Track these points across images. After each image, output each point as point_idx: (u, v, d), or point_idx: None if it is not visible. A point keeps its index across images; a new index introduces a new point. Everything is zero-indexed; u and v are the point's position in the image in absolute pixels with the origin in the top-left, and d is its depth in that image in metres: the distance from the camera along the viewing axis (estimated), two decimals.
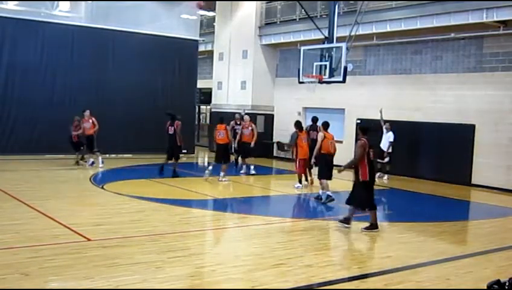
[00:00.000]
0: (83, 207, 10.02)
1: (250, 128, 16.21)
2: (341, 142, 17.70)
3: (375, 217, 9.08)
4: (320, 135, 12.08)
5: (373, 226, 9.05)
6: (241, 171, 16.32)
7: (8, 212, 9.28)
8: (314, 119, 14.63)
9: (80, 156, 16.36)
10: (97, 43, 19.59)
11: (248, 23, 22.88)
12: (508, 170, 15.12)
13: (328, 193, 11.77)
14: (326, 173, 11.91)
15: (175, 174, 14.67)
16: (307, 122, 17.52)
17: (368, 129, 9.44)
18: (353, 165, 9.07)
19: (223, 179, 14.31)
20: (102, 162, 16.11)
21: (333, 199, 11.66)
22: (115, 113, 19.70)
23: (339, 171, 9.68)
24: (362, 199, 9.08)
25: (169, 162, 14.97)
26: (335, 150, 12.08)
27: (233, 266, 6.71)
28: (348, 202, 9.30)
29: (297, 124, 13.63)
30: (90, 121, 15.81)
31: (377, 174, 16.15)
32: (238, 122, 16.58)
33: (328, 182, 11.91)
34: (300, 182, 13.85)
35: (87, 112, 15.88)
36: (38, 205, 9.78)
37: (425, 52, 17.43)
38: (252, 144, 15.92)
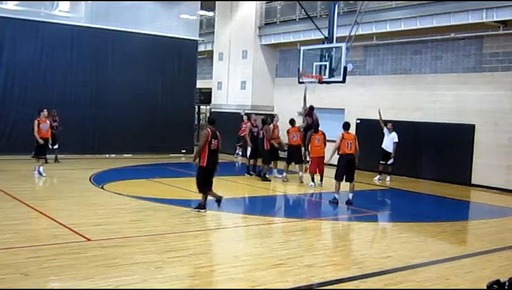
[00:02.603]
0: (83, 207, 10.01)
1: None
2: None
3: (205, 198, 10.02)
4: (339, 135, 11.88)
5: (201, 206, 9.97)
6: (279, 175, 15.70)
7: (8, 212, 9.27)
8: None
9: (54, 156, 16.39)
10: (97, 43, 19.60)
11: (248, 23, 22.88)
12: (508, 170, 15.13)
13: (335, 194, 11.72)
14: (337, 174, 11.90)
15: (265, 178, 14.97)
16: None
17: (214, 121, 10.35)
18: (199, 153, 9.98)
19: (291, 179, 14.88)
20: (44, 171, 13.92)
21: (337, 202, 11.63)
22: (115, 113, 19.72)
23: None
24: (197, 182, 10.02)
25: (251, 163, 15.83)
26: (355, 150, 11.77)
27: (233, 266, 6.71)
28: (198, 190, 10.13)
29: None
30: (48, 122, 14.18)
31: (378, 176, 16.22)
32: (255, 124, 16.08)
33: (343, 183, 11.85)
34: (312, 180, 14.31)
35: (45, 112, 14.13)
36: (38, 205, 9.79)
37: (425, 52, 17.43)
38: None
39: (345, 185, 11.92)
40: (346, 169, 11.72)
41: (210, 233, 9.11)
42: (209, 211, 11.04)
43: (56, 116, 16.26)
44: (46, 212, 9.18)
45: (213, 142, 9.89)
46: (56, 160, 16.41)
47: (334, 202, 11.64)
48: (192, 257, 7.12)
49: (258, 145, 15.59)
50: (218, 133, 10.07)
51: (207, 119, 10.36)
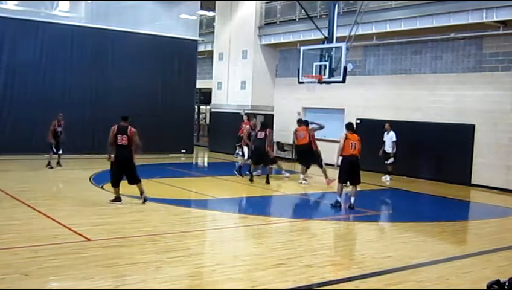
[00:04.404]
0: (82, 207, 10.01)
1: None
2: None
3: (118, 191, 10.35)
4: (342, 135, 11.30)
5: (116, 199, 10.33)
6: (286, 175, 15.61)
7: (8, 212, 9.27)
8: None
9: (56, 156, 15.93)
10: (97, 43, 19.61)
11: (248, 23, 22.88)
12: (507, 170, 15.13)
13: (338, 198, 11.22)
14: (339, 177, 11.38)
15: (268, 181, 14.45)
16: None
17: (127, 118, 10.60)
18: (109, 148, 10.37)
19: (303, 181, 14.56)
20: None
21: (340, 206, 11.16)
22: (115, 113, 19.49)
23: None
24: (110, 175, 10.39)
25: (246, 162, 15.47)
26: (358, 151, 11.24)
27: (233, 266, 6.71)
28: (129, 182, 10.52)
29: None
30: None
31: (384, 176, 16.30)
32: (253, 128, 15.83)
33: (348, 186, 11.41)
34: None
35: None
36: (38, 205, 9.78)
37: (425, 52, 17.43)
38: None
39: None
40: (349, 171, 11.19)
41: (210, 233, 9.12)
42: (208, 211, 11.07)
43: (61, 120, 15.75)
44: (46, 212, 9.18)
45: (119, 137, 10.21)
46: (58, 164, 16.21)
47: (337, 206, 11.19)
48: (192, 257, 7.12)
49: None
50: (129, 129, 10.31)
51: (120, 116, 10.59)
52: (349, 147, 11.08)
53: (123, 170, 10.40)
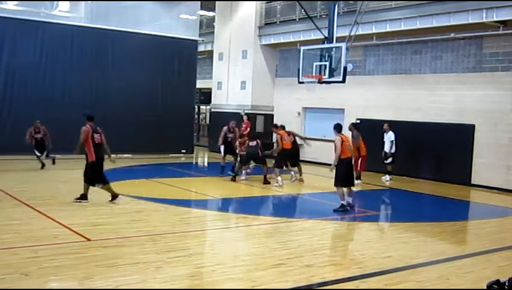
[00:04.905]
0: (82, 207, 10.01)
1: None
2: None
3: (111, 189, 10.45)
4: (338, 138, 10.91)
5: (114, 197, 10.41)
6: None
7: (8, 212, 9.27)
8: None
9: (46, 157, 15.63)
10: (97, 43, 19.60)
11: (248, 23, 22.88)
12: (507, 170, 15.13)
13: (343, 201, 10.94)
14: (338, 180, 11.05)
15: (266, 181, 14.38)
16: (305, 122, 17.48)
17: (93, 117, 10.64)
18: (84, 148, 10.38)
19: (280, 183, 14.26)
20: None
21: (347, 210, 10.88)
22: (114, 113, 19.68)
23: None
24: (90, 176, 10.40)
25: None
26: (351, 152, 11.19)
27: (233, 266, 6.71)
28: (84, 180, 10.47)
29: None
30: None
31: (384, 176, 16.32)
32: (231, 130, 15.77)
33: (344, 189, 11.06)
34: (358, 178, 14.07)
35: None
36: (38, 205, 9.78)
37: (424, 52, 17.43)
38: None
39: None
40: (347, 173, 11.05)
41: (210, 233, 9.12)
42: (208, 211, 11.06)
43: (40, 127, 15.38)
44: (46, 212, 9.18)
45: (95, 136, 10.39)
46: (53, 162, 16.04)
47: (345, 210, 10.85)
48: (192, 257, 7.12)
49: (230, 149, 15.68)
50: (99, 128, 10.56)
51: (86, 117, 10.59)
52: (346, 149, 11.00)
53: (102, 168, 10.63)
